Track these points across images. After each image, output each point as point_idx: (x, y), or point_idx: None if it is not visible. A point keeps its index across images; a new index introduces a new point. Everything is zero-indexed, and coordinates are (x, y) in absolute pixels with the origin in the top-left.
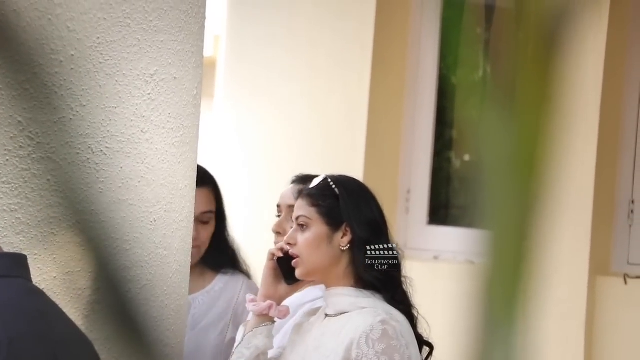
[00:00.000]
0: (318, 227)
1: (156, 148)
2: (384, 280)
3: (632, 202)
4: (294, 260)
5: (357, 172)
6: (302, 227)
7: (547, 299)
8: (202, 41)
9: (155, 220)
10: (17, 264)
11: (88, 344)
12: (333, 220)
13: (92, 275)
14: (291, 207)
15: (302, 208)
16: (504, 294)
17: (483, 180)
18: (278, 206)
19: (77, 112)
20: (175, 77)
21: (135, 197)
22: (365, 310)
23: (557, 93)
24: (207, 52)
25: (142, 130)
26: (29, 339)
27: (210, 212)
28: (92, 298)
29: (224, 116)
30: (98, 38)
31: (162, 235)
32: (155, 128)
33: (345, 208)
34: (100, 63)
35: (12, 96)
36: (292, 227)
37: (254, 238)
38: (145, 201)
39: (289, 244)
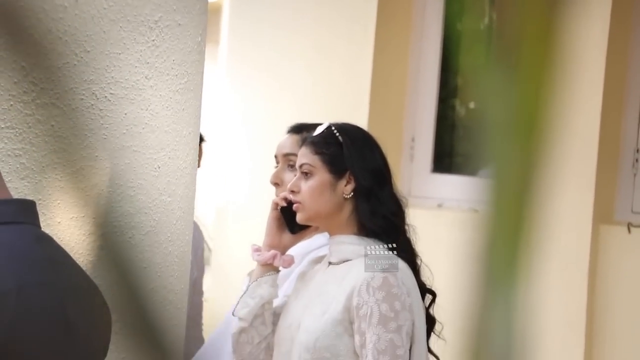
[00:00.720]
0: (321, 175)
1: (160, 94)
2: (386, 228)
3: (637, 150)
4: (294, 205)
5: (361, 119)
6: (306, 174)
7: (550, 248)
8: None
9: (159, 167)
10: (25, 210)
11: (96, 291)
12: (337, 168)
13: (96, 221)
14: (287, 155)
15: (306, 156)
16: (505, 243)
17: (486, 130)
18: (275, 157)
19: (81, 57)
20: (179, 24)
21: (139, 143)
22: None
23: (562, 41)
24: None
25: (146, 77)
26: (37, 286)
27: None
28: (96, 244)
29: (229, 63)
30: None
31: (166, 182)
32: (159, 74)
33: (349, 156)
34: (105, 9)
35: (16, 41)
36: (289, 177)
37: (256, 188)
38: (149, 148)
39: (292, 191)
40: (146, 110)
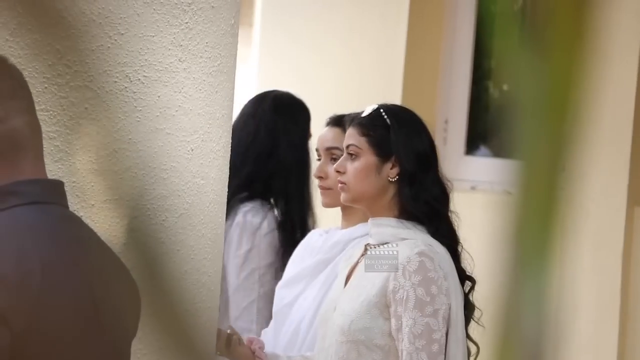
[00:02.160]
0: (367, 157)
1: (193, 77)
2: (428, 212)
3: None
4: (339, 186)
5: (394, 102)
6: (352, 156)
7: (584, 229)
8: None
9: (192, 150)
10: (52, 190)
11: (124, 272)
12: (383, 151)
13: (129, 204)
14: (329, 149)
15: (353, 137)
16: (537, 225)
17: (519, 112)
18: (317, 150)
19: (115, 40)
20: (213, 6)
21: (173, 126)
22: (405, 242)
23: (595, 21)
24: None
25: (179, 59)
26: (62, 265)
27: None
28: (129, 226)
29: (263, 45)
30: None
31: (199, 165)
32: (192, 57)
33: (396, 140)
34: None
35: (51, 24)
36: (333, 170)
37: None
38: (182, 130)
39: (337, 171)
40: (179, 93)
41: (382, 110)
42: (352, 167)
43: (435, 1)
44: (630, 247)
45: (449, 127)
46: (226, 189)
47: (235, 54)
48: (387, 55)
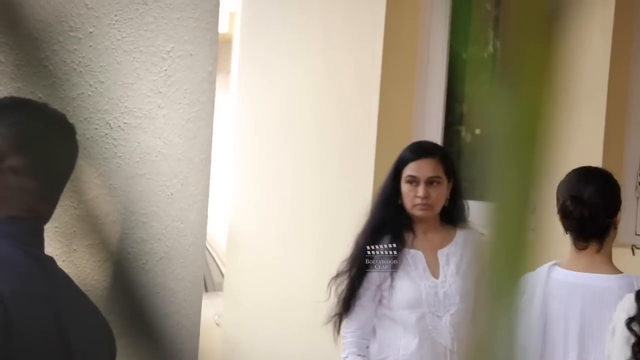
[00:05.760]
0: None
1: (172, 123)
2: None
3: None
4: None
5: (369, 144)
6: None
7: None
8: (217, 18)
9: (171, 194)
10: (29, 231)
11: (99, 315)
12: None
13: (111, 248)
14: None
15: None
16: (508, 265)
17: (490, 155)
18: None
19: (96, 88)
20: (191, 54)
21: (152, 171)
22: None
23: (563, 69)
24: (223, 29)
25: (158, 106)
26: (28, 296)
27: (437, 177)
28: (111, 270)
29: (240, 92)
30: (116, 15)
31: (178, 209)
32: (171, 104)
33: None
34: (118, 40)
35: (32, 73)
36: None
37: (268, 213)
38: (162, 175)
39: None
40: (159, 138)
41: None
42: None
43: (409, 47)
44: None
45: None
46: (206, 232)
47: (214, 100)
48: (363, 101)
